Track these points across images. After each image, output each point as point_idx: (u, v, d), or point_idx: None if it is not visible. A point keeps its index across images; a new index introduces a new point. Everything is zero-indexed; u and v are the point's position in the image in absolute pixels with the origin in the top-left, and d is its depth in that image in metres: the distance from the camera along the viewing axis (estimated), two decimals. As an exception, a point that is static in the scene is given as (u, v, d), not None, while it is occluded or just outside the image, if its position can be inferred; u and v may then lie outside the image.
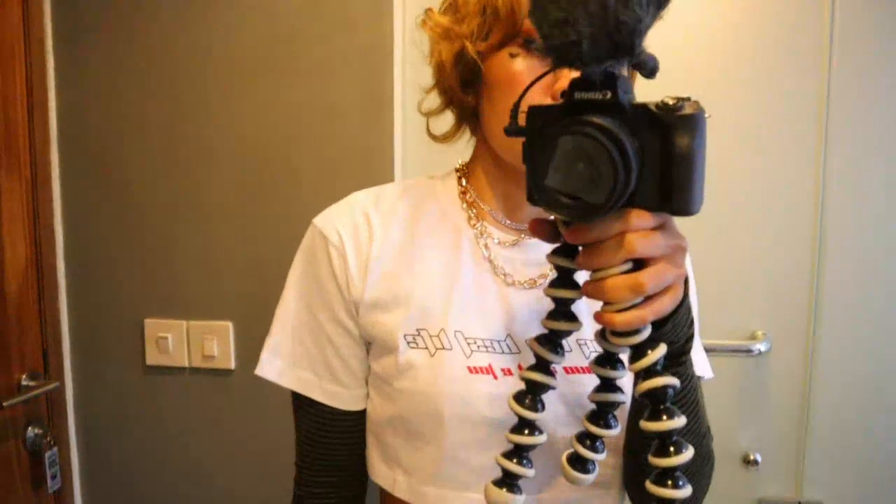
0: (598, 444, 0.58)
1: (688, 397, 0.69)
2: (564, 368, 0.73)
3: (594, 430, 0.57)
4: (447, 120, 0.83)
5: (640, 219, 0.47)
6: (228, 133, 1.44)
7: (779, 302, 1.38)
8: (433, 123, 0.84)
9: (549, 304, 0.76)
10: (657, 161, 0.46)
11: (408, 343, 0.75)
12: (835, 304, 1.37)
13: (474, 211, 0.80)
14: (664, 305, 0.51)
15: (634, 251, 0.48)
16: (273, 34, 1.40)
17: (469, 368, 0.72)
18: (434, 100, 0.81)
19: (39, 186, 1.48)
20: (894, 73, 1.32)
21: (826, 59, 1.33)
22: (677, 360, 0.63)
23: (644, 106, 0.46)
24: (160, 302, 1.51)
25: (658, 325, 0.55)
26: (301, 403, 0.82)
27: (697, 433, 0.71)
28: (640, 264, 0.49)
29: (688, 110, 0.45)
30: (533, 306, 0.76)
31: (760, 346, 1.35)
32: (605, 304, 0.50)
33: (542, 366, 0.57)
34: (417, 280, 0.76)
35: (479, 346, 0.73)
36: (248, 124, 1.43)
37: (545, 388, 0.57)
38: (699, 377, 0.80)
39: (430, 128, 0.85)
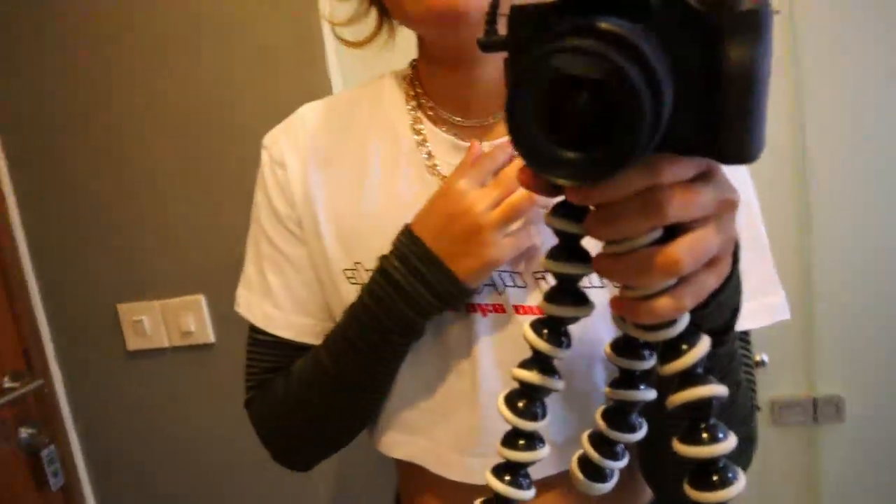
0: (617, 448, 0.44)
1: (727, 380, 0.53)
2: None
3: (613, 434, 0.44)
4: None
5: (676, 168, 0.34)
6: (165, 100, 1.37)
7: (764, 188, 1.28)
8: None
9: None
10: (699, 83, 0.31)
11: (347, 278, 0.68)
12: (823, 186, 1.27)
13: (422, 112, 0.68)
14: (706, 286, 0.37)
15: (667, 215, 0.33)
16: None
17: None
18: (348, 4, 0.71)
19: (-12, 184, 1.43)
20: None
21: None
22: (718, 339, 0.48)
23: (681, 1, 0.31)
24: (130, 285, 1.47)
25: (697, 307, 0.38)
26: (259, 340, 0.74)
27: (739, 417, 0.59)
28: (673, 230, 0.35)
29: (747, 3, 0.31)
30: None
31: (751, 240, 1.26)
32: (625, 286, 0.37)
33: (541, 361, 0.42)
34: (353, 203, 0.68)
35: None
36: (182, 86, 1.36)
37: (545, 391, 0.42)
38: (747, 345, 0.65)
39: (340, 34, 0.74)
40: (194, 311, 1.43)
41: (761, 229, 0.67)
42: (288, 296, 0.72)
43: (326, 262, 0.69)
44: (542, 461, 0.44)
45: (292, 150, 0.71)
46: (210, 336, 1.44)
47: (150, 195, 1.42)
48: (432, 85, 0.69)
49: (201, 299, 1.43)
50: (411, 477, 0.75)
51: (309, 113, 0.73)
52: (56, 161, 1.45)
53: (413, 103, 0.69)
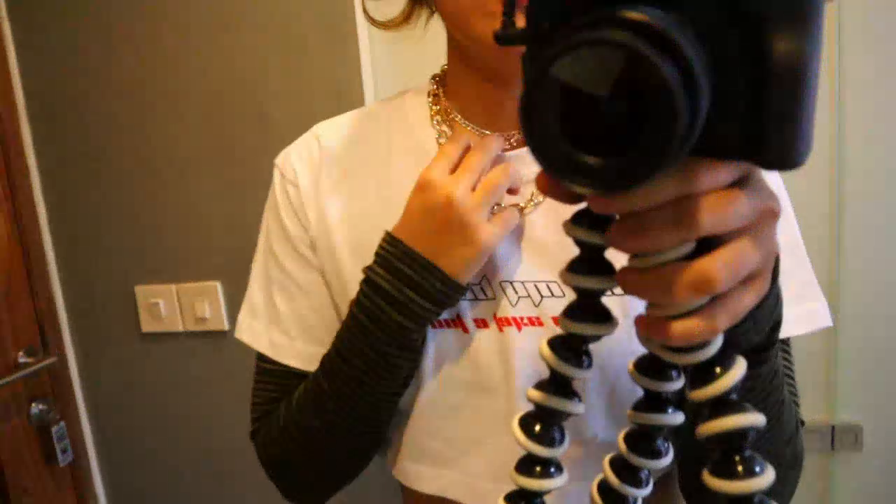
0: (641, 474, 0.41)
1: (771, 398, 0.51)
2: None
3: (636, 460, 0.40)
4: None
5: (712, 174, 0.30)
6: (195, 85, 1.36)
7: (800, 212, 1.26)
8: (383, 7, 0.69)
9: (536, 235, 0.60)
10: (741, 80, 0.28)
11: None
12: (856, 213, 1.24)
13: (448, 126, 0.65)
14: (743, 305, 0.33)
15: (701, 226, 0.30)
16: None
17: (434, 322, 0.61)
18: None
19: (13, 158, 1.43)
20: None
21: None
22: (757, 358, 0.45)
23: None
24: (148, 267, 1.47)
25: (732, 326, 0.35)
26: (266, 369, 0.71)
27: (781, 439, 0.55)
28: (707, 243, 0.31)
29: None
30: (517, 230, 0.61)
31: (778, 261, 1.24)
32: (652, 304, 0.34)
33: (559, 383, 0.39)
34: (375, 220, 0.64)
35: None
36: (212, 72, 1.35)
37: (563, 415, 0.39)
38: (788, 356, 0.61)
39: (371, 10, 0.69)
40: (210, 298, 1.43)
41: (797, 232, 0.64)
42: (296, 322, 0.68)
43: (342, 283, 0.65)
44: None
45: (306, 168, 0.68)
46: (224, 323, 1.43)
47: (174, 178, 1.42)
48: (463, 96, 0.65)
49: (217, 286, 1.42)
50: None
51: (324, 130, 0.70)
52: (82, 139, 1.45)
53: (438, 118, 0.66)
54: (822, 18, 0.28)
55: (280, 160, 0.71)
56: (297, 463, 0.69)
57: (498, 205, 0.59)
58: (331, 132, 0.70)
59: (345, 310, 0.65)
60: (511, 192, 0.59)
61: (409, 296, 0.56)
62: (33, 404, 1.46)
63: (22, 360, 1.44)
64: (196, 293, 1.44)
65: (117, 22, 1.38)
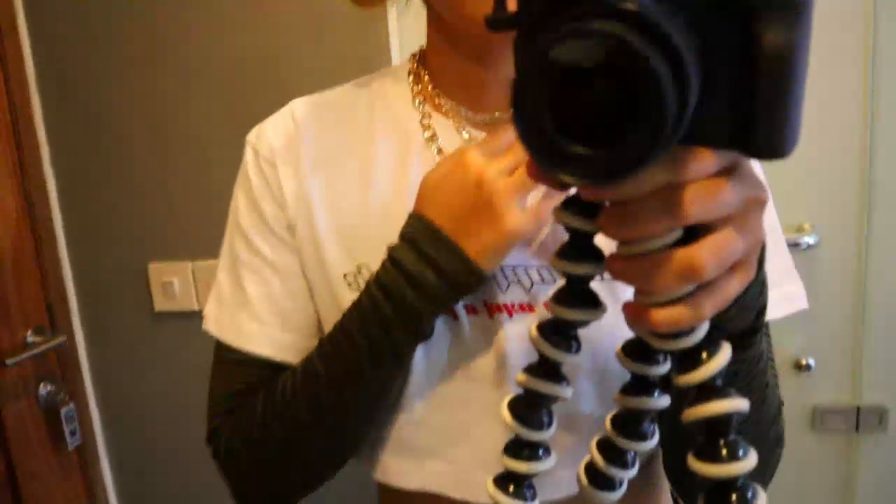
0: (627, 456, 0.42)
1: (755, 382, 0.52)
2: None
3: (622, 442, 0.41)
4: None
5: (700, 163, 0.30)
6: (212, 56, 1.33)
7: (825, 190, 1.25)
8: None
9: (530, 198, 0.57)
10: (730, 69, 0.28)
11: (348, 284, 0.61)
12: (886, 189, 1.24)
13: (430, 106, 0.63)
14: (729, 292, 0.34)
15: (690, 214, 0.31)
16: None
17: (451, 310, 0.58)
18: None
19: (22, 132, 1.39)
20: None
21: None
22: (742, 343, 0.46)
23: None
24: (163, 244, 1.43)
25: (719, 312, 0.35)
26: (231, 359, 0.66)
27: (765, 422, 0.56)
28: (693, 231, 0.32)
29: None
30: None
31: (808, 239, 1.23)
32: (640, 291, 0.34)
33: (548, 366, 0.40)
34: (358, 203, 0.62)
35: None
36: (232, 44, 1.31)
37: (552, 399, 0.40)
38: (768, 339, 0.60)
39: None
40: (227, 277, 1.40)
41: (775, 217, 0.63)
42: (269, 307, 0.64)
43: (323, 268, 0.62)
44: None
45: (284, 147, 0.64)
46: (241, 303, 1.40)
47: (189, 153, 1.38)
48: (447, 76, 0.63)
49: (235, 264, 1.39)
50: None
51: (301, 109, 0.67)
52: (93, 114, 1.41)
53: (420, 98, 0.64)
54: (811, 10, 0.28)
55: (253, 136, 0.67)
56: (270, 461, 0.64)
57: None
58: (308, 110, 0.67)
59: (324, 296, 0.63)
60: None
61: (427, 276, 0.52)
62: (41, 385, 1.42)
63: (31, 339, 1.40)
64: (212, 271, 1.40)
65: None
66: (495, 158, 0.53)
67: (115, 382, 1.54)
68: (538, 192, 0.54)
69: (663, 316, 0.33)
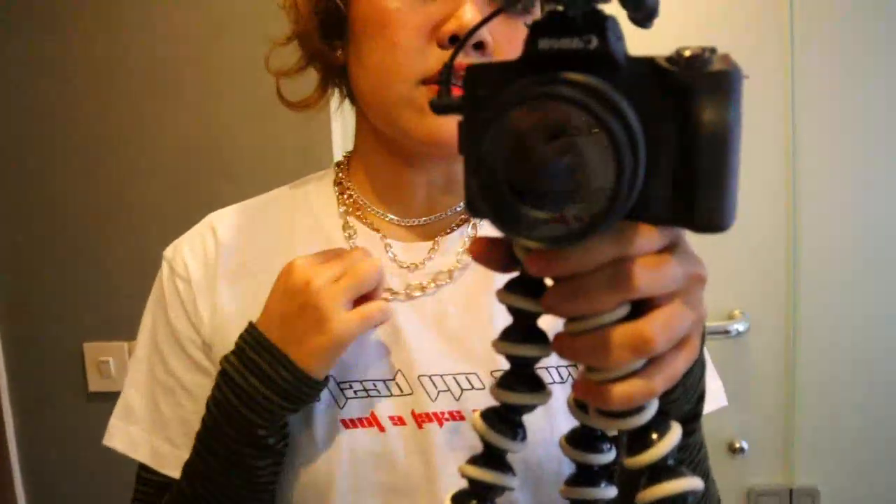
0: None
1: (698, 470, 0.52)
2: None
3: None
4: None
5: (647, 237, 0.31)
6: (158, 138, 1.34)
7: (755, 279, 1.30)
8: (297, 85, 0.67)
9: (450, 325, 0.59)
10: (670, 148, 0.29)
11: None
12: (813, 275, 1.29)
13: (355, 215, 0.64)
14: (678, 368, 0.34)
15: (638, 288, 0.31)
16: (200, 31, 1.30)
17: (343, 422, 0.57)
18: (291, 53, 0.64)
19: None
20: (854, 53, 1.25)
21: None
22: (685, 428, 0.47)
23: (648, 60, 0.29)
24: (99, 323, 1.40)
25: (664, 393, 0.35)
26: (146, 479, 0.64)
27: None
28: (639, 306, 0.32)
29: (717, 65, 0.29)
30: (430, 319, 0.59)
31: (739, 326, 1.27)
32: (590, 368, 0.34)
33: (494, 456, 0.38)
34: None
35: (355, 392, 0.57)
36: (178, 127, 1.33)
37: (498, 490, 0.38)
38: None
39: (284, 91, 0.67)
40: (164, 356, 1.37)
41: None
42: (182, 429, 0.62)
43: None
44: None
45: (199, 262, 0.64)
46: (179, 383, 1.37)
47: (130, 232, 1.37)
48: (377, 179, 0.64)
49: (173, 344, 1.37)
50: None
51: (219, 221, 0.67)
52: (32, 186, 1.40)
53: (343, 208, 0.64)
54: (741, 94, 0.29)
55: (169, 252, 0.66)
56: None
57: (366, 297, 0.55)
58: (227, 221, 0.66)
59: None
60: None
61: (257, 387, 0.52)
62: (-36, 469, 1.36)
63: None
64: (150, 351, 1.38)
65: (77, 67, 1.35)
66: (321, 265, 0.54)
67: (45, 461, 1.48)
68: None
69: (617, 391, 0.32)
